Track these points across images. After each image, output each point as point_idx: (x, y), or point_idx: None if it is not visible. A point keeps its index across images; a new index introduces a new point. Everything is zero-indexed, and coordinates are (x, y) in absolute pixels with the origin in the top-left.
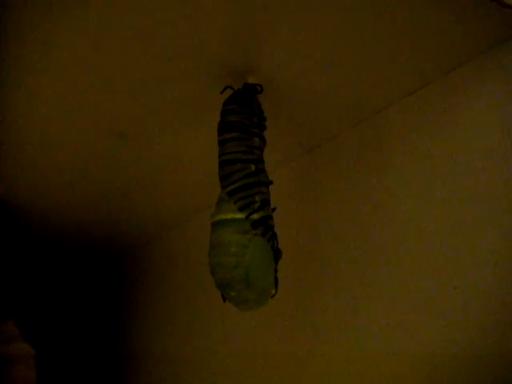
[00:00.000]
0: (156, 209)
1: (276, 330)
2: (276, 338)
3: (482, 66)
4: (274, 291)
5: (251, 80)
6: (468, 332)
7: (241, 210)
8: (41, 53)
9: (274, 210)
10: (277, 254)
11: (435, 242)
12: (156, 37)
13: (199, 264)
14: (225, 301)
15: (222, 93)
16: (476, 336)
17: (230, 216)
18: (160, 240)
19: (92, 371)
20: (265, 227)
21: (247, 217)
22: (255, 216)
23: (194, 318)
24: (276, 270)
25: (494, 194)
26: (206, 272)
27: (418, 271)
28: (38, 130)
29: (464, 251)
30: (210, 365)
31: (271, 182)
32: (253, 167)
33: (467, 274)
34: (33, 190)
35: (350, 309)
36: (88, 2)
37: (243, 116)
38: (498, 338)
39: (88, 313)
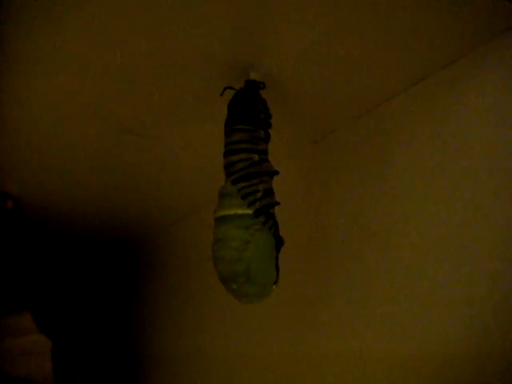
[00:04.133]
0: (167, 201)
1: (283, 327)
2: (282, 335)
3: (483, 57)
4: (275, 287)
5: (253, 76)
6: (471, 327)
7: (243, 198)
8: (46, 52)
9: (277, 203)
10: (278, 243)
11: (439, 234)
12: (159, 35)
13: (210, 257)
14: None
15: (222, 94)
16: (479, 331)
17: (232, 212)
18: (171, 232)
19: (107, 362)
20: (266, 215)
21: (249, 205)
22: (257, 204)
23: (205, 312)
24: (277, 258)
25: (496, 184)
26: None
27: (421, 264)
28: (48, 128)
29: (467, 244)
30: (217, 361)
31: (277, 172)
32: (256, 157)
33: (470, 267)
34: (45, 187)
35: (355, 305)
36: (95, 1)
37: (249, 113)
38: (501, 334)
39: (103, 305)
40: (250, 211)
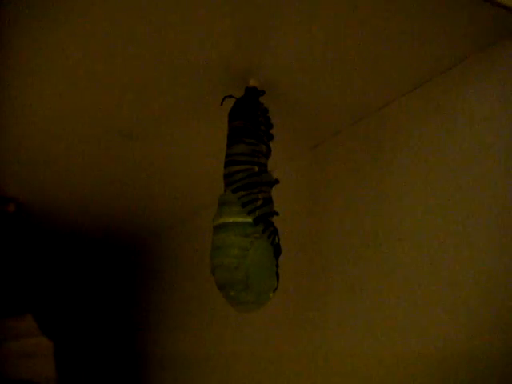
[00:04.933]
0: (168, 204)
1: (284, 329)
2: (283, 336)
3: (482, 62)
4: (272, 294)
5: (253, 82)
6: (470, 328)
7: (243, 206)
8: (47, 55)
9: (276, 213)
10: (277, 250)
11: (438, 237)
12: (159, 42)
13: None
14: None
15: (222, 104)
16: (478, 332)
17: (231, 219)
18: (173, 234)
19: (109, 364)
20: (266, 223)
21: (249, 212)
22: (257, 213)
23: (207, 313)
24: (277, 266)
25: (496, 188)
26: None
27: (421, 267)
28: (49, 131)
29: (467, 246)
30: (218, 363)
31: (277, 181)
32: (256, 168)
33: (468, 269)
34: (46, 190)
35: (353, 308)
36: (94, 7)
37: (250, 125)
38: (499, 334)
39: (105, 307)
40: (249, 219)
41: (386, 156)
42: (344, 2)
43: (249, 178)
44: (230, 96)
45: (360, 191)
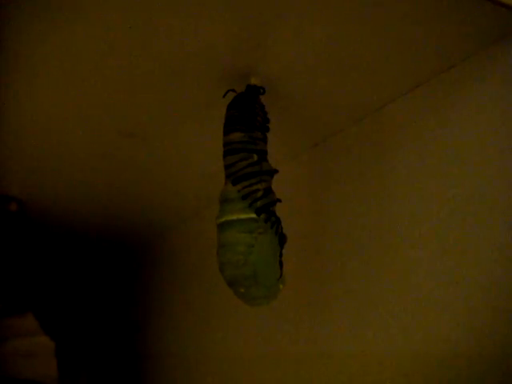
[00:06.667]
0: (169, 202)
1: (284, 327)
2: (283, 335)
3: (483, 62)
4: (281, 286)
5: (254, 81)
6: (470, 328)
7: (244, 198)
8: (47, 55)
9: (279, 200)
10: (282, 240)
11: (439, 236)
12: (161, 39)
13: (213, 259)
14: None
15: (224, 96)
16: (478, 332)
17: (235, 217)
18: (174, 233)
19: (111, 363)
20: (268, 213)
21: (250, 204)
22: (258, 204)
23: (208, 313)
24: (281, 255)
25: (495, 188)
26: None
27: (421, 265)
28: (50, 131)
29: (467, 246)
30: (220, 362)
31: (277, 171)
32: (255, 157)
33: (469, 269)
34: (48, 189)
35: (355, 305)
36: (94, 8)
37: (247, 114)
38: (499, 334)
39: (107, 306)
40: (252, 215)
41: (386, 155)
42: (344, 1)
43: (248, 168)
44: (233, 90)
45: (361, 190)
